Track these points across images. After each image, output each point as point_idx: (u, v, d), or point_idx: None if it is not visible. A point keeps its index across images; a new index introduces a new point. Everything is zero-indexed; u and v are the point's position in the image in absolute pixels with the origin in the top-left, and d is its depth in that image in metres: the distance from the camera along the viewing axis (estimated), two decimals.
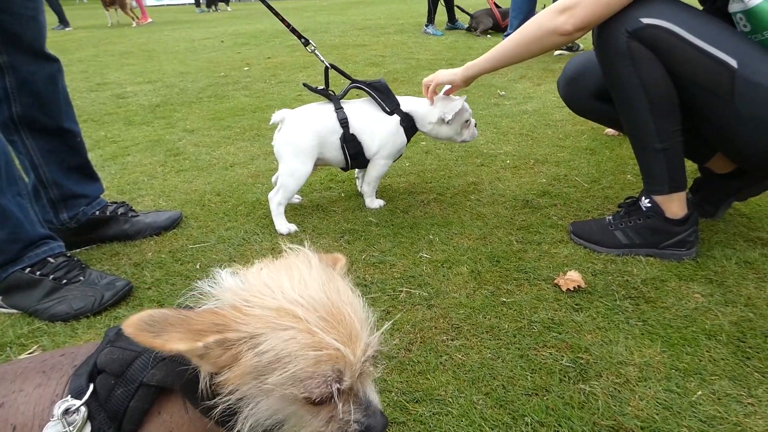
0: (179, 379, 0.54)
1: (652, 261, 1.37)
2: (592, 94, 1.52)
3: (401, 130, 1.67)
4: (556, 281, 1.30)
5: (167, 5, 18.09)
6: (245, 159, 2.26)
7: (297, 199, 1.83)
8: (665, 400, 0.93)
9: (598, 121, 1.63)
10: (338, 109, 1.62)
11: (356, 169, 1.84)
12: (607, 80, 1.35)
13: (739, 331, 1.10)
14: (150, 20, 10.75)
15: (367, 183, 1.74)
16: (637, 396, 0.95)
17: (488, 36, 5.85)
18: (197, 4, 14.16)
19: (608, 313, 1.18)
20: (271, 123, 1.63)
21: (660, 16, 1.19)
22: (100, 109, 3.29)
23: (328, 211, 1.76)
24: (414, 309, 1.23)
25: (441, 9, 6.53)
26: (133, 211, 1.65)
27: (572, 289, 1.26)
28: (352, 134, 1.62)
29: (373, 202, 1.77)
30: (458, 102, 1.64)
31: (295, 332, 0.49)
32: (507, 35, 4.60)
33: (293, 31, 1.67)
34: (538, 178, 1.94)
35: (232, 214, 1.75)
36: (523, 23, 4.53)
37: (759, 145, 1.19)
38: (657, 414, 0.90)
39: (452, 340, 1.13)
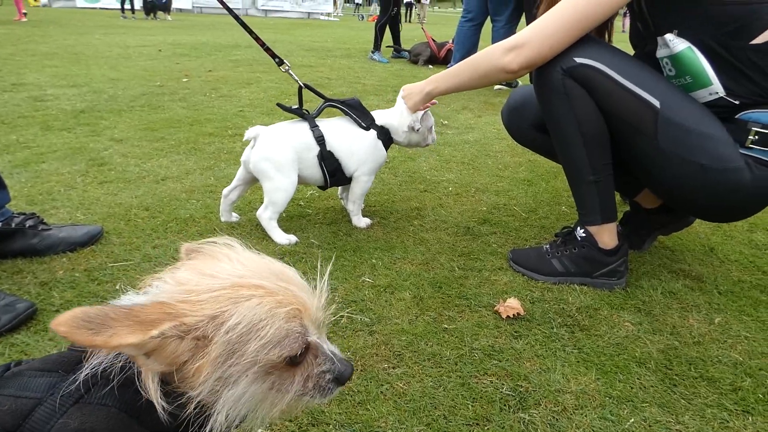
0: (103, 421, 0.46)
1: (586, 289, 1.42)
2: (532, 125, 1.59)
3: (379, 143, 1.68)
4: (496, 308, 1.30)
5: (100, 8, 17.14)
6: (179, 173, 2.13)
7: (235, 217, 1.74)
8: (600, 428, 0.94)
9: (537, 150, 1.70)
10: (314, 127, 1.62)
11: (339, 189, 1.86)
12: (544, 114, 1.42)
13: (666, 359, 1.14)
14: (25, 19, 10.09)
15: (352, 201, 1.72)
16: (574, 424, 0.95)
17: (430, 67, 6.05)
18: (122, 10, 13.53)
19: (546, 340, 1.20)
20: (245, 139, 1.60)
21: (592, 57, 1.27)
22: (13, 111, 3.00)
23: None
24: (355, 335, 1.18)
25: (387, 37, 6.69)
26: (45, 224, 1.49)
27: (512, 316, 1.27)
28: (329, 151, 1.62)
29: (360, 221, 1.75)
30: (422, 112, 1.69)
31: (259, 298, 0.49)
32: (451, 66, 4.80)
33: (267, 50, 1.67)
34: (478, 206, 1.98)
35: (161, 230, 1.63)
36: (464, 56, 4.69)
37: (678, 181, 1.28)
38: None
39: (393, 368, 1.09)
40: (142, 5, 13.85)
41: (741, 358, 1.15)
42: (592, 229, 1.43)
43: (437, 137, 2.90)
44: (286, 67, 1.69)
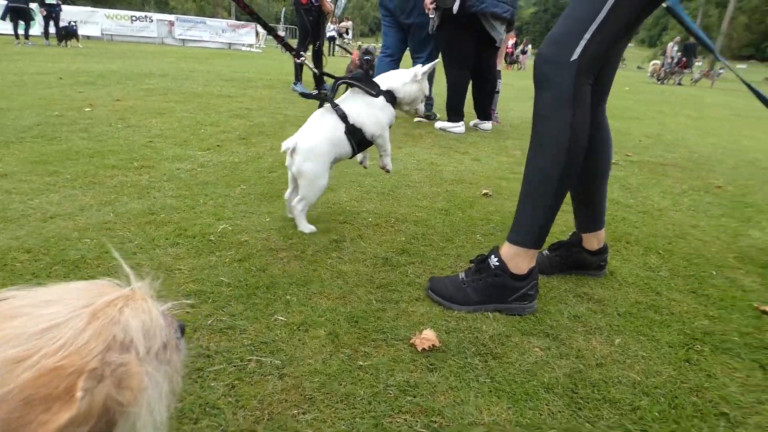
0: None
1: (498, 317, 1.45)
2: None
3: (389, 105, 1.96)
4: (412, 341, 1.29)
5: None
6: (72, 209, 1.95)
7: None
8: None
9: None
10: (335, 106, 1.88)
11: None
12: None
13: (572, 383, 1.18)
14: None
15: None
16: None
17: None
18: (16, 36, 12.55)
19: (460, 371, 1.19)
20: (282, 150, 1.85)
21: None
22: None
23: (171, 270, 1.56)
24: (264, 380, 1.11)
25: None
26: None
27: (427, 348, 1.26)
28: (352, 125, 1.89)
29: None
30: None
31: (125, 306, 0.51)
32: None
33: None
34: (397, 237, 1.99)
35: (44, 275, 1.45)
36: None
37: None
38: None
39: (304, 413, 1.02)
40: (55, 33, 13.00)
41: (639, 378, 1.22)
42: (513, 250, 1.45)
43: (358, 168, 2.91)
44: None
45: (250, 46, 20.91)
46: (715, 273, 1.89)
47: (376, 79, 1.97)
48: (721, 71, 21.37)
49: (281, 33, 27.31)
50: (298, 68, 6.42)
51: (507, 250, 1.48)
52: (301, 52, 1.99)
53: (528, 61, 23.73)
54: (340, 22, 21.83)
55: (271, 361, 1.17)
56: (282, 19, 27.83)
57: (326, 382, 1.12)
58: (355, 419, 1.02)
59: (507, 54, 20.77)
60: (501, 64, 5.24)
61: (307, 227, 1.92)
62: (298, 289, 1.51)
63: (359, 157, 2.13)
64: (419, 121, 4.76)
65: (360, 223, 2.10)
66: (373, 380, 1.14)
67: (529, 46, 25.55)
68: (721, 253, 2.10)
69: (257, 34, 21.69)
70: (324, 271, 1.65)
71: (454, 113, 4.36)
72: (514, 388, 1.15)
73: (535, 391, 1.14)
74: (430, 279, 1.59)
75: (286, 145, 1.84)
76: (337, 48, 19.40)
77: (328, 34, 9.74)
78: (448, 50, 4.30)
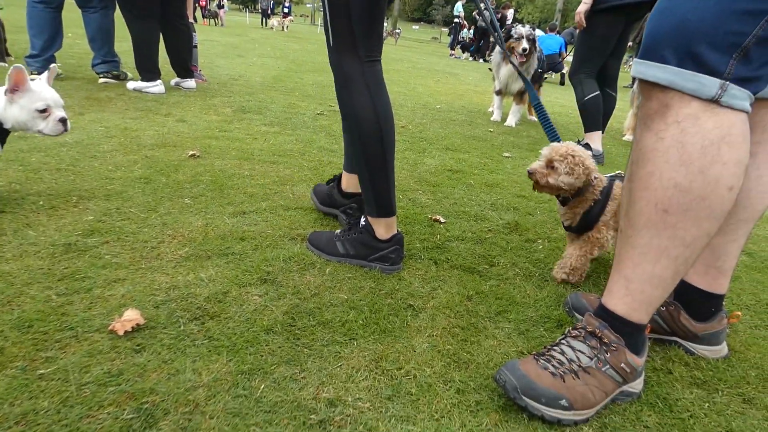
0: None
1: (214, 276, 1.39)
2: None
3: None
4: (111, 327, 1.11)
5: None
6: None
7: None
8: (234, 408, 0.93)
9: None
10: None
11: None
12: None
13: (290, 318, 1.23)
14: None
15: None
16: (207, 416, 0.90)
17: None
18: None
19: (174, 342, 1.10)
20: None
21: None
22: None
23: None
24: None
25: None
26: None
27: (131, 329, 1.11)
28: None
29: None
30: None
31: None
32: (30, 56, 3.85)
33: None
34: (83, 216, 1.67)
35: None
36: (47, 43, 3.94)
37: None
38: (227, 425, 0.89)
39: None
40: None
41: (347, 297, 1.36)
42: (370, 218, 1.54)
43: (21, 143, 2.21)
44: None
45: None
46: (401, 196, 2.26)
47: None
48: (398, 30, 25.18)
49: None
50: None
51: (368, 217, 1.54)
52: None
53: (226, 17, 22.84)
54: None
55: None
56: None
57: None
58: None
59: (201, 7, 19.49)
60: (191, 17, 4.88)
61: None
62: None
63: None
64: (105, 83, 4.06)
65: (27, 209, 1.67)
66: (62, 385, 0.94)
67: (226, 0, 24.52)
68: (406, 180, 2.52)
69: None
70: None
71: (147, 71, 3.86)
72: (234, 340, 1.13)
73: (255, 337, 1.14)
74: (311, 233, 1.64)
75: None
76: None
77: None
78: None
